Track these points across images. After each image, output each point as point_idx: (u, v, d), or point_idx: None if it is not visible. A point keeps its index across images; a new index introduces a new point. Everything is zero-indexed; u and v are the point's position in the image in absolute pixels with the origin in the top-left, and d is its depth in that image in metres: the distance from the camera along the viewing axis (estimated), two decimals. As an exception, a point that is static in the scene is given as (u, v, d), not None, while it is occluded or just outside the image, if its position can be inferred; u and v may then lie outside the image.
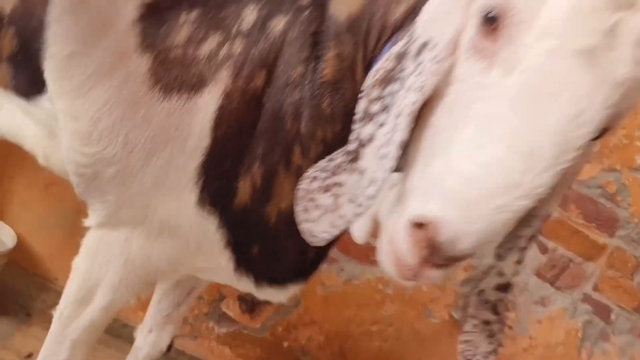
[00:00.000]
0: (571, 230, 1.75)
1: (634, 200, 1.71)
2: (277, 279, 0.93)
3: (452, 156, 0.55)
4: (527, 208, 0.52)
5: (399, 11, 0.76)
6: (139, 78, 0.82)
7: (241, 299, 1.79)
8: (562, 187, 0.71)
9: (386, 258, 0.59)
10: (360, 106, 0.67)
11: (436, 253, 0.53)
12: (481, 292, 0.77)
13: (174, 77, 0.82)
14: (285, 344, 1.85)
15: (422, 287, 1.79)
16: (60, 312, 0.94)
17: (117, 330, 1.66)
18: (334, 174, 0.68)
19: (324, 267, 1.04)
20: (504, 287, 0.77)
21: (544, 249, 1.78)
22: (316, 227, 0.69)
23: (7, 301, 1.68)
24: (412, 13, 0.75)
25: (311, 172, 0.71)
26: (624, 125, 1.71)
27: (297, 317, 1.82)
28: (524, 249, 0.75)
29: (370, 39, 0.78)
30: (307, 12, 0.82)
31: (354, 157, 0.66)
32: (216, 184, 0.84)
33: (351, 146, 0.67)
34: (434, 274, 0.55)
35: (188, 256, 0.92)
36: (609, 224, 1.75)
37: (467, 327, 0.78)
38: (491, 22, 0.56)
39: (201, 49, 0.82)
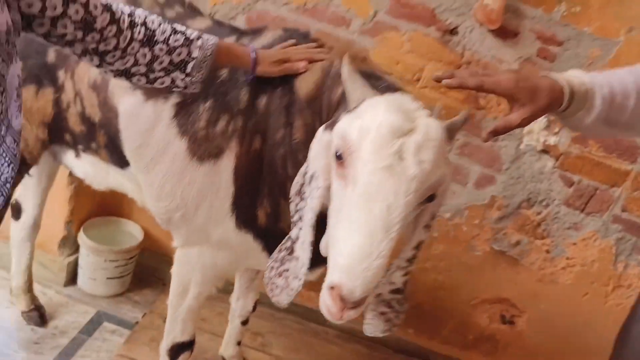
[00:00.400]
0: (593, 162, 1.90)
1: (653, 128, 1.82)
2: None
3: (339, 244, 0.88)
4: (383, 265, 0.84)
5: (338, 92, 1.09)
6: (182, 155, 1.23)
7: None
8: (418, 230, 1.02)
9: (323, 307, 0.88)
10: (291, 208, 1.02)
11: (346, 302, 0.84)
12: (379, 295, 1.09)
13: (203, 150, 1.21)
14: (358, 284, 2.24)
15: (462, 227, 2.08)
16: (170, 302, 1.43)
17: (229, 289, 2.14)
18: (282, 263, 1.03)
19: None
20: (397, 291, 1.09)
21: (569, 183, 1.95)
22: (279, 298, 1.04)
23: (147, 277, 2.24)
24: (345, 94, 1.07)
25: (269, 263, 1.06)
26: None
27: (364, 262, 2.20)
28: (407, 266, 1.06)
29: (323, 111, 1.11)
30: (279, 90, 1.17)
31: (291, 250, 1.02)
32: (243, 214, 1.24)
33: (288, 244, 1.03)
34: (351, 313, 0.85)
35: (241, 259, 1.35)
36: (629, 152, 1.87)
37: (368, 316, 1.09)
38: (340, 158, 0.89)
39: (217, 127, 1.20)
